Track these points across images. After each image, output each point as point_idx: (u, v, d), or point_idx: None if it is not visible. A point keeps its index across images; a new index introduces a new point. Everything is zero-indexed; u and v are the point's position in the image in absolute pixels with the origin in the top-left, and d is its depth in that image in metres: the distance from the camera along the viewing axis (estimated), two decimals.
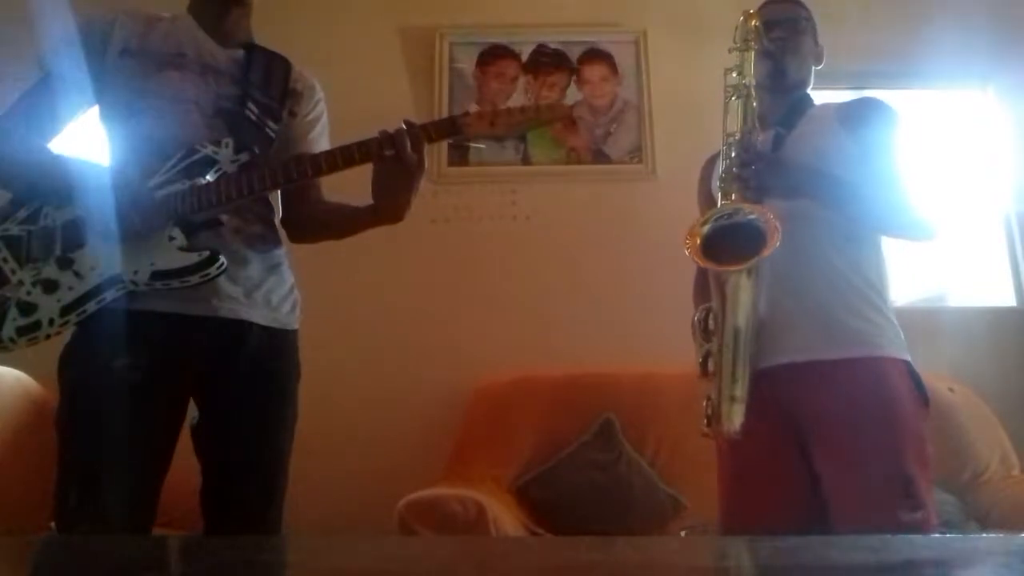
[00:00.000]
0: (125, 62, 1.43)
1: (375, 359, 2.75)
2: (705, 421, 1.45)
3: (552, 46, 3.14)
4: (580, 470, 2.42)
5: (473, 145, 3.01)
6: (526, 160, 3.02)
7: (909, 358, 1.50)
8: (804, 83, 1.65)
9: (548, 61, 3.13)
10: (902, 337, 1.52)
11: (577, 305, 2.81)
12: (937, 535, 1.50)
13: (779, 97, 1.60)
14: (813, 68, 1.67)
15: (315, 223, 1.58)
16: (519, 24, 3.15)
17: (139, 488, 1.34)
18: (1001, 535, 1.88)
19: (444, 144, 2.97)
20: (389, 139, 1.35)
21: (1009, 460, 2.51)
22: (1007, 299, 3.01)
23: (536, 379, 2.65)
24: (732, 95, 1.53)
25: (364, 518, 1.97)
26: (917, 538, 1.21)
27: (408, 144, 1.34)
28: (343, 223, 1.55)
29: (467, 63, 3.11)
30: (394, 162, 1.35)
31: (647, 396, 2.56)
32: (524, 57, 3.13)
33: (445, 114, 2.92)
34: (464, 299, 2.84)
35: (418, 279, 2.85)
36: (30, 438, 2.24)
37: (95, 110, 1.46)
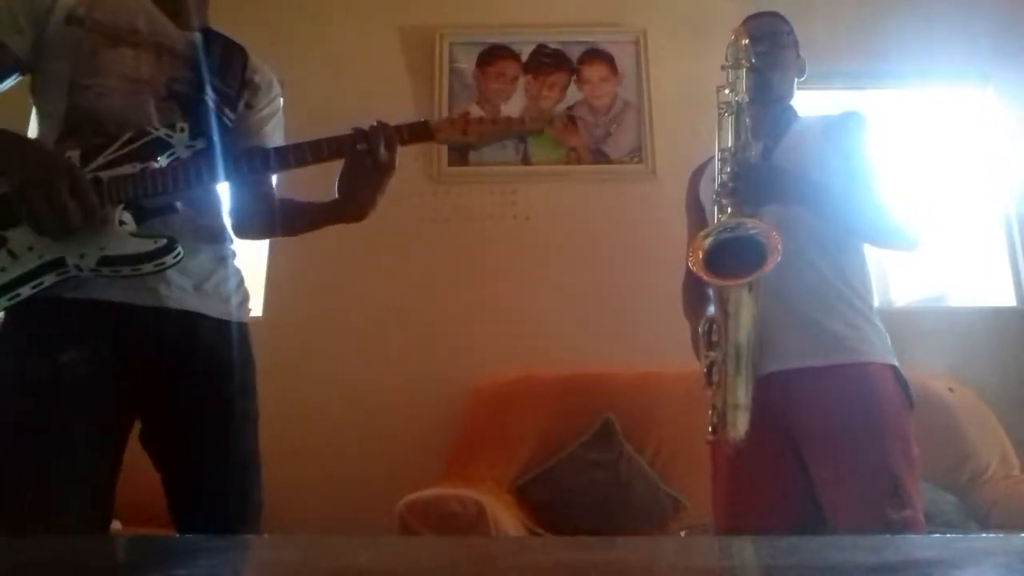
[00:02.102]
0: (71, 31, 1.32)
1: (375, 359, 2.76)
2: (710, 429, 1.47)
3: (552, 46, 3.14)
4: (580, 470, 2.42)
5: None
6: (526, 160, 3.02)
7: (895, 361, 1.54)
8: (787, 95, 1.69)
9: (548, 61, 3.13)
10: (888, 340, 1.56)
11: (577, 305, 2.82)
12: (937, 535, 1.51)
13: (765, 110, 1.64)
14: (796, 80, 1.71)
15: (264, 217, 1.52)
16: (519, 24, 3.16)
17: (94, 490, 1.27)
18: (1001, 535, 1.88)
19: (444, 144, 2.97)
20: (363, 136, 1.33)
21: (1009, 460, 2.51)
22: (1007, 299, 3.01)
23: (536, 379, 2.65)
24: (725, 112, 1.57)
25: (364, 518, 1.97)
26: (917, 538, 1.21)
27: (382, 142, 1.33)
28: (297, 219, 1.51)
29: (467, 63, 3.11)
30: (367, 159, 1.33)
31: (647, 396, 2.56)
32: (524, 57, 3.13)
33: (445, 114, 2.92)
34: (464, 299, 2.84)
35: (418, 279, 2.85)
36: None
37: (27, 80, 1.36)
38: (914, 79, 3.16)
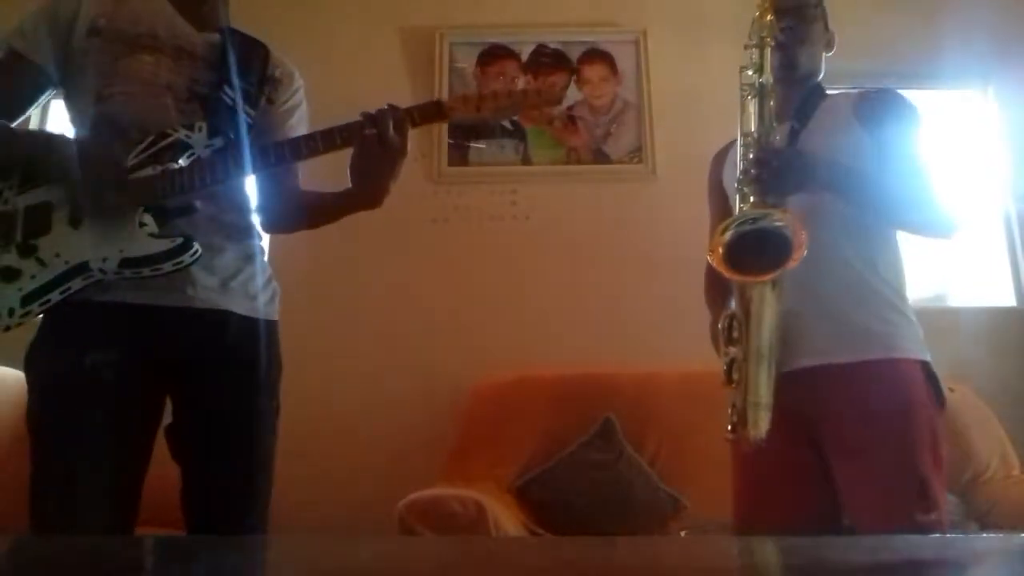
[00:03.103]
0: (93, 43, 1.36)
1: (375, 359, 2.75)
2: (730, 427, 1.41)
3: (552, 46, 3.14)
4: (580, 470, 2.42)
5: (473, 145, 3.01)
6: (526, 160, 3.02)
7: (928, 358, 1.47)
8: (815, 72, 1.60)
9: (548, 61, 3.13)
10: (920, 336, 1.49)
11: (577, 305, 2.82)
12: (937, 535, 1.50)
13: (791, 89, 1.56)
14: (824, 55, 1.62)
15: (291, 211, 1.53)
16: (519, 24, 3.15)
17: (119, 492, 1.29)
18: (1001, 535, 1.88)
19: (444, 144, 2.98)
20: (372, 119, 1.33)
21: (1009, 460, 2.51)
22: (1007, 299, 3.01)
23: (536, 379, 2.65)
24: (748, 94, 1.49)
25: (364, 518, 1.97)
26: (917, 538, 1.20)
27: (391, 125, 1.32)
28: (320, 210, 1.52)
29: (467, 63, 3.11)
30: (376, 143, 1.32)
31: (647, 396, 2.56)
32: (524, 57, 3.13)
33: None
34: (464, 299, 2.84)
35: (418, 279, 2.85)
36: None
37: (61, 93, 1.40)
38: (914, 81, 3.15)
